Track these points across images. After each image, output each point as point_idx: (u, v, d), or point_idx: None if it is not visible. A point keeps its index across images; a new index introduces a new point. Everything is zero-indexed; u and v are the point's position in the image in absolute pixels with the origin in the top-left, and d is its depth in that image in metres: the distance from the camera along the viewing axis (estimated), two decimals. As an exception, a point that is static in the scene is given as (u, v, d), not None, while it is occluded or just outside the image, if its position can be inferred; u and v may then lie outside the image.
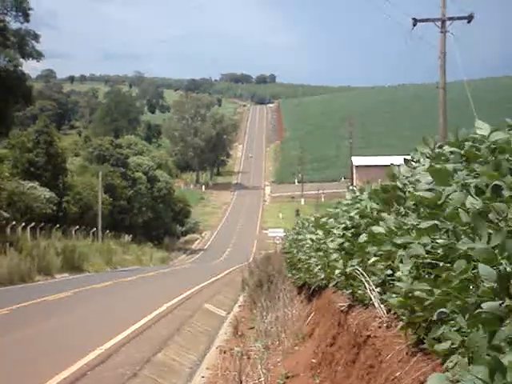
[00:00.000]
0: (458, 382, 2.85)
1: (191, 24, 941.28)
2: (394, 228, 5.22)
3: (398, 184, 5.62)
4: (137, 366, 11.96)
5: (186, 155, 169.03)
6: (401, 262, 4.72)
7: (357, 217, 7.30)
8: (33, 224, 50.59)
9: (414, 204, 4.80)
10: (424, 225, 4.01)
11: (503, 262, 3.01)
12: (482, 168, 3.61)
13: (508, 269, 2.95)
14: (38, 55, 49.08)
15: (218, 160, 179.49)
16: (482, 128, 3.93)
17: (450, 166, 3.98)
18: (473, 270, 3.24)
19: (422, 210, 4.52)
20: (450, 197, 3.74)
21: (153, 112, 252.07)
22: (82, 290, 28.13)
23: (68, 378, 10.59)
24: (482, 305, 2.88)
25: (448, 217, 3.72)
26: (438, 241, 3.94)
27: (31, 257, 38.41)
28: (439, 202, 3.96)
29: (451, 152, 4.30)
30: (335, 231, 8.49)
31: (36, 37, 49.38)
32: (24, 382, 10.31)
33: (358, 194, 8.23)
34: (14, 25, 48.75)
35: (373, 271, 6.17)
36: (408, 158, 5.87)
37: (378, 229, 5.55)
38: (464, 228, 3.48)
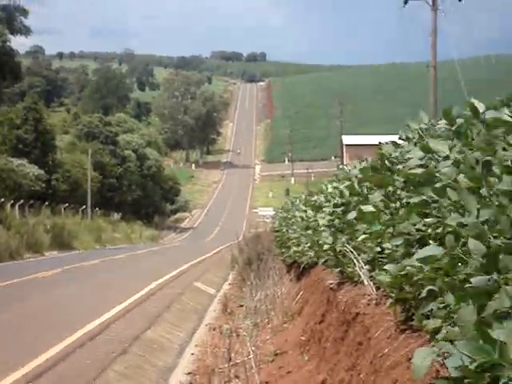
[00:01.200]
0: (445, 354, 2.85)
1: (181, 0, 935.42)
2: (381, 208, 5.21)
3: (387, 163, 5.60)
4: (126, 343, 11.97)
5: (175, 133, 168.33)
6: (389, 240, 4.72)
7: (347, 194, 7.29)
8: (22, 201, 50.44)
9: (403, 181, 4.78)
10: (414, 200, 4.00)
11: (492, 236, 3.01)
12: (475, 141, 3.61)
13: (497, 243, 2.95)
14: (27, 31, 48.83)
15: (208, 138, 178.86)
16: (477, 106, 3.92)
17: (442, 142, 3.96)
18: (462, 246, 3.24)
19: (411, 187, 4.51)
20: (441, 172, 3.73)
21: (142, 90, 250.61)
22: (72, 267, 28.12)
23: (56, 356, 10.60)
24: (472, 279, 2.88)
25: (438, 193, 3.71)
26: (427, 220, 3.94)
27: (20, 234, 38.32)
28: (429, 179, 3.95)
29: (444, 128, 4.29)
30: (325, 209, 8.49)
31: (24, 12, 48.97)
32: (16, 358, 10.31)
33: (348, 171, 8.22)
34: (2, 0, 48.37)
35: (362, 249, 6.17)
36: (397, 138, 5.87)
37: (368, 207, 5.54)
38: (453, 204, 3.47)
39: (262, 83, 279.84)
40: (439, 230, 3.78)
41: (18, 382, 8.97)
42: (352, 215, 6.38)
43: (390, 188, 5.20)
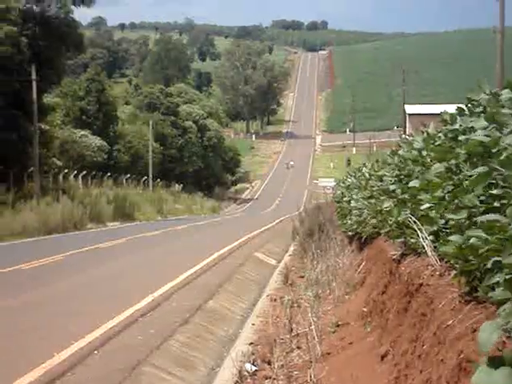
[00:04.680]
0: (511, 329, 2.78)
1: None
2: (445, 178, 5.11)
3: (449, 134, 5.46)
4: (188, 313, 12.08)
5: (236, 104, 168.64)
6: (453, 212, 4.62)
7: (410, 164, 7.17)
8: (84, 172, 51.28)
9: (466, 153, 4.66)
10: (479, 170, 3.89)
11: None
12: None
13: None
14: (90, 1, 48.85)
15: (268, 109, 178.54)
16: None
17: (507, 111, 3.83)
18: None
19: (475, 159, 4.40)
20: (507, 142, 3.61)
21: (203, 60, 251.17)
22: (134, 238, 28.48)
23: (119, 324, 10.76)
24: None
25: (503, 163, 3.60)
26: (492, 192, 3.83)
27: (83, 205, 38.94)
28: (494, 150, 3.82)
29: (510, 98, 4.15)
30: (387, 178, 8.37)
31: (87, -17, 49.11)
32: (78, 329, 10.50)
33: (411, 141, 8.07)
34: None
35: (426, 219, 6.06)
36: (462, 106, 5.70)
37: (431, 177, 5.44)
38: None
39: (323, 52, 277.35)
40: (505, 201, 3.67)
41: (83, 350, 9.13)
42: (415, 183, 6.26)
43: (453, 161, 5.08)
